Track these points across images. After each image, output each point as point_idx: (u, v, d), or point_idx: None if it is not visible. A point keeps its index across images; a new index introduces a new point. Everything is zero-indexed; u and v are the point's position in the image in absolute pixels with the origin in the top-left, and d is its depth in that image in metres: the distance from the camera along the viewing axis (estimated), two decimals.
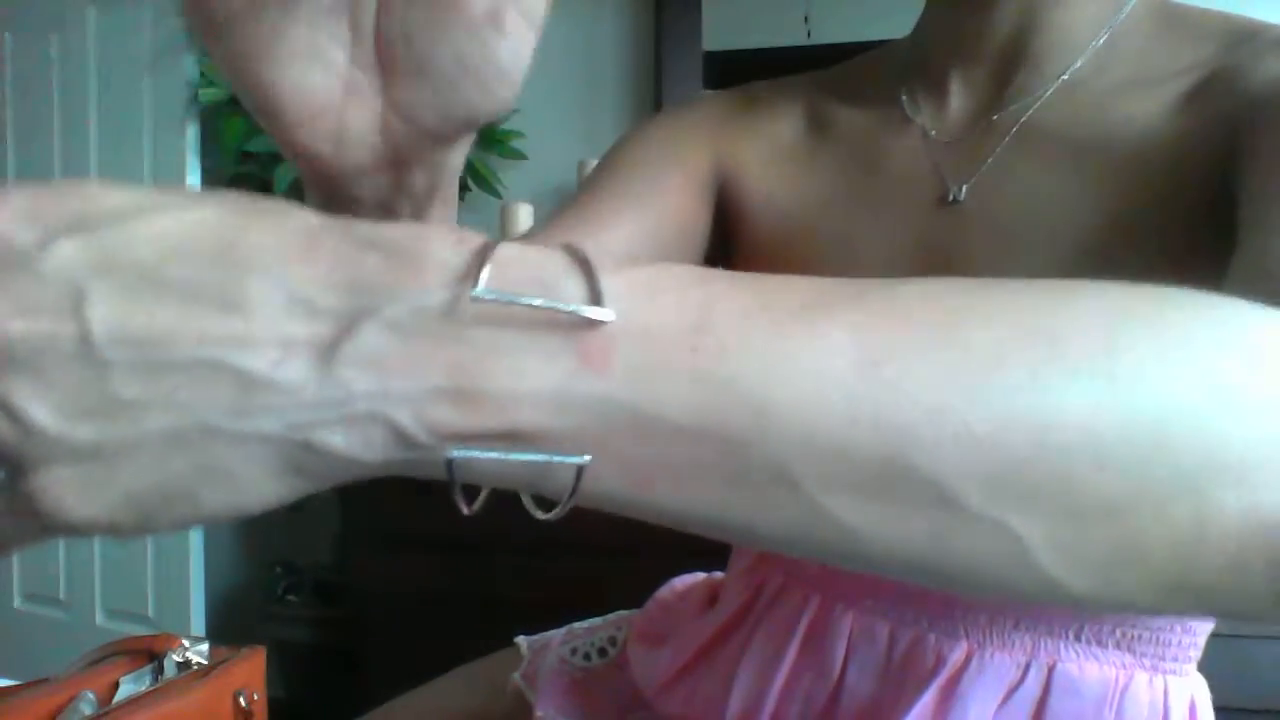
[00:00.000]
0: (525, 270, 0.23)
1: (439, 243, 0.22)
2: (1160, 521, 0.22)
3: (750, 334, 0.22)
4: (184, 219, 0.21)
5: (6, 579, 2.51)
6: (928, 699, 0.49)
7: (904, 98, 0.58)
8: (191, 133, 2.20)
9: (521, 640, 0.71)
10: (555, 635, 0.71)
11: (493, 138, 2.18)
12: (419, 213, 0.35)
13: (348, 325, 0.21)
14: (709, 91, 0.66)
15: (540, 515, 0.25)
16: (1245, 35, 0.49)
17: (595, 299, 0.22)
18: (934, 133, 0.55)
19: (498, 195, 2.18)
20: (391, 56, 0.30)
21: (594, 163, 2.06)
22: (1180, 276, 0.44)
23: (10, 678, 0.62)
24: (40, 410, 0.20)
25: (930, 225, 0.53)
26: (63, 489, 0.21)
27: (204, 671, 0.52)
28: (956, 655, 0.50)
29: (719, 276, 0.24)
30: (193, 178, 2.21)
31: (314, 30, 0.29)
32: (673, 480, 0.23)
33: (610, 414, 0.22)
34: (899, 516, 0.23)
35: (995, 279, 0.25)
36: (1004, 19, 0.52)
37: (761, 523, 0.23)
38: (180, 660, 0.53)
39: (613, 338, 0.22)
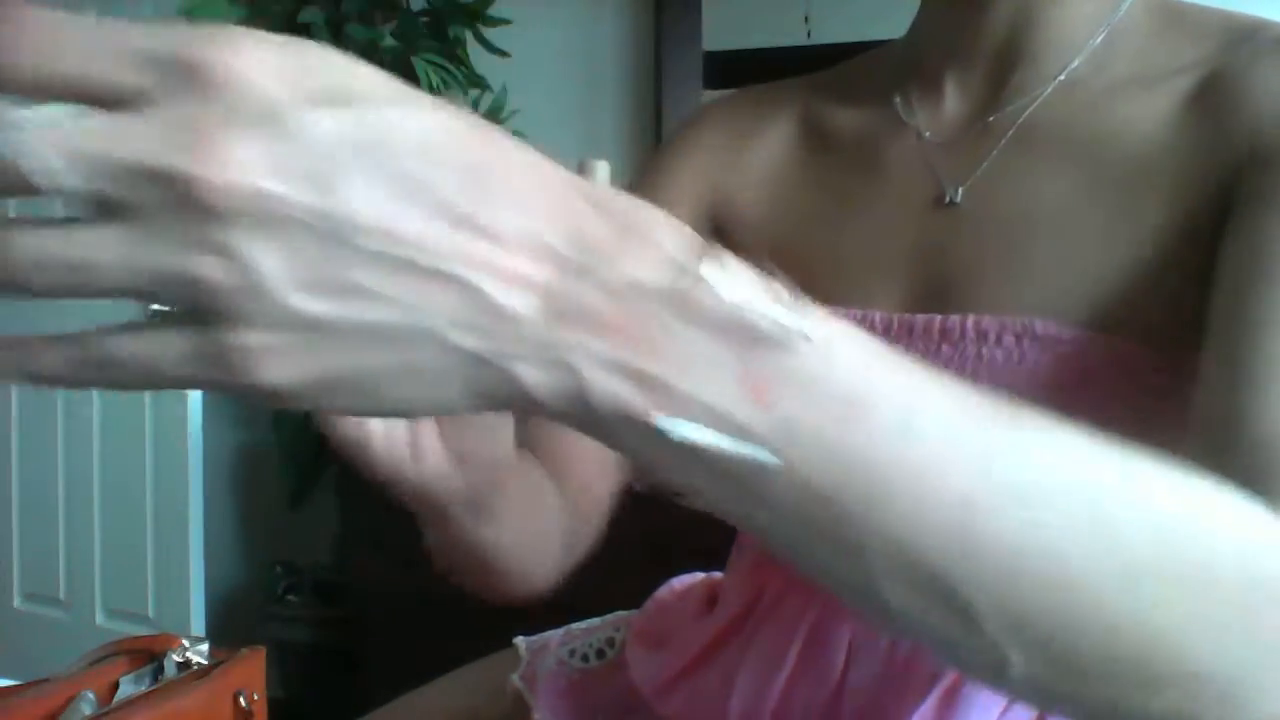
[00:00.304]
0: (740, 275, 0.25)
1: (663, 228, 0.24)
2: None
3: (907, 431, 0.25)
4: (440, 121, 0.22)
5: (6, 579, 2.51)
6: (929, 704, 0.48)
7: (898, 100, 0.57)
8: None
9: (520, 641, 0.71)
10: (554, 636, 0.71)
11: None
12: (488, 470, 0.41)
13: (574, 277, 0.23)
14: (708, 100, 0.66)
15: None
16: (1245, 34, 0.48)
17: (794, 327, 0.24)
18: (928, 134, 0.55)
19: None
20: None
21: (594, 163, 2.05)
22: (1179, 276, 0.44)
23: (10, 678, 0.62)
24: (272, 272, 0.20)
25: (927, 228, 0.53)
26: (263, 352, 0.21)
27: (204, 672, 0.52)
28: None
29: (904, 364, 0.26)
30: None
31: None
32: (777, 519, 0.26)
33: (750, 444, 0.24)
34: (942, 615, 0.26)
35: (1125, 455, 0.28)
36: (1000, 18, 0.52)
37: (802, 554, 0.27)
38: (180, 660, 0.53)
39: (782, 377, 0.24)
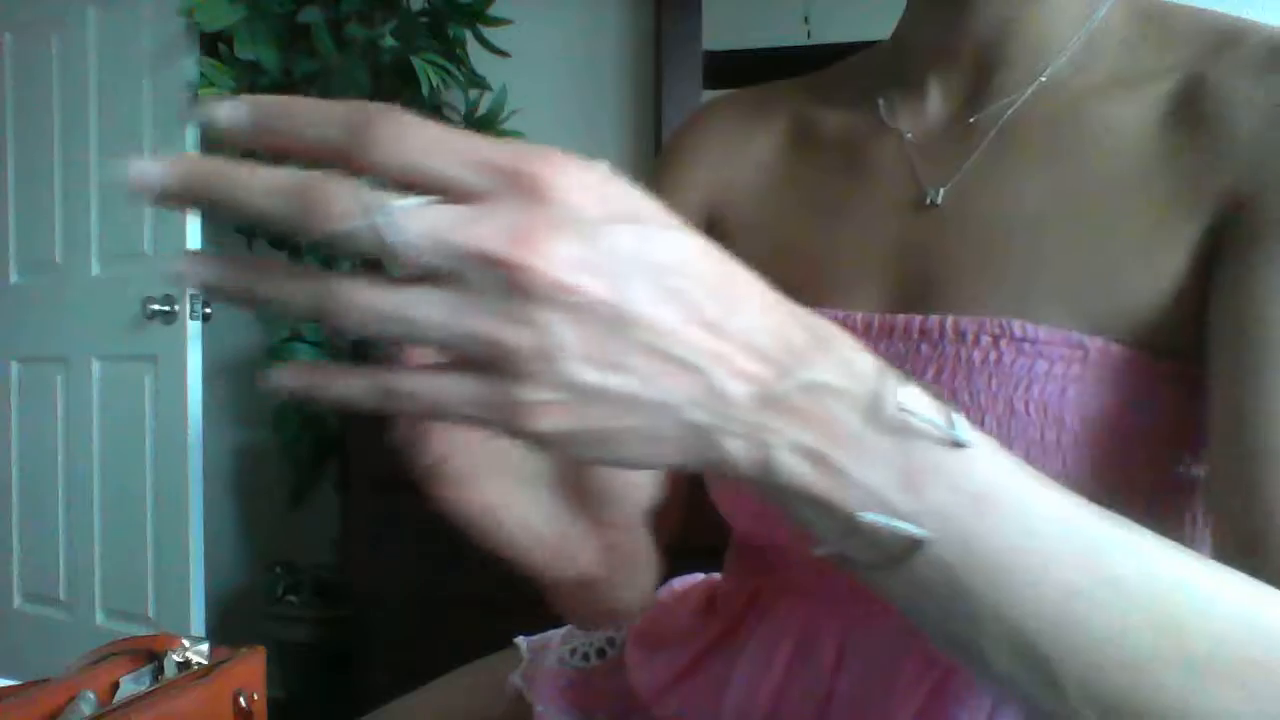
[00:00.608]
0: (911, 388, 0.31)
1: (848, 344, 0.31)
2: None
3: (1026, 525, 0.31)
4: (696, 245, 0.28)
5: (6, 579, 2.51)
6: (918, 705, 0.48)
7: (881, 102, 0.58)
8: (191, 133, 2.20)
9: (521, 641, 0.71)
10: (554, 635, 0.71)
11: (493, 138, 2.17)
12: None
13: (779, 375, 0.29)
14: (708, 100, 0.66)
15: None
16: (1228, 38, 0.48)
17: (957, 436, 0.30)
18: (910, 136, 0.55)
19: None
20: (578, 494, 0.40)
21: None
22: (1159, 279, 0.45)
23: (10, 678, 0.62)
24: (565, 345, 0.26)
25: (908, 229, 0.53)
26: (541, 406, 0.26)
27: (204, 671, 0.52)
28: (944, 661, 0.49)
29: (1029, 472, 0.32)
30: None
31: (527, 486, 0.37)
32: (908, 585, 0.32)
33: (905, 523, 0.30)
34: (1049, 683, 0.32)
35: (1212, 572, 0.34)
36: (982, 21, 0.52)
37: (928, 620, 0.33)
38: (180, 660, 0.53)
39: (933, 472, 0.30)
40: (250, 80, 2.15)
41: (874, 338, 0.51)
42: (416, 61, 2.05)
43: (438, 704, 0.69)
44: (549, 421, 0.27)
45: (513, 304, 0.25)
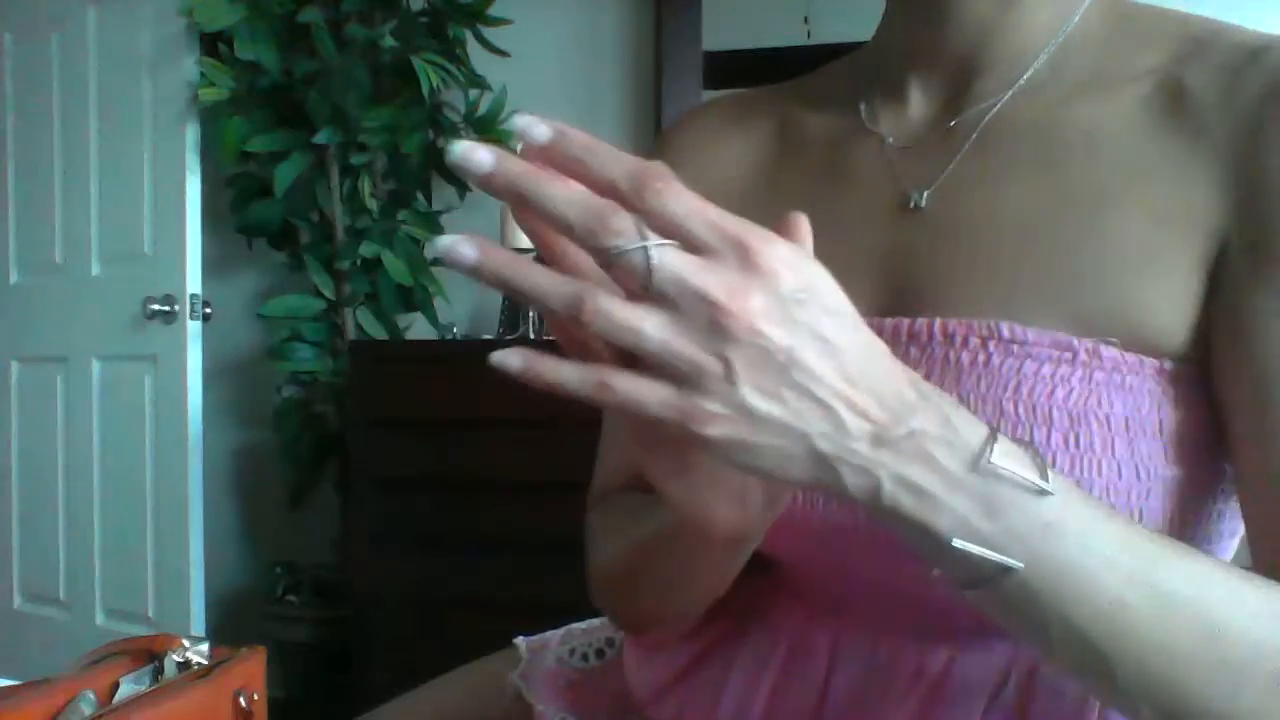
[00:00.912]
0: (1012, 448, 0.37)
1: (946, 402, 0.37)
2: None
3: (1085, 547, 0.37)
4: (851, 318, 0.36)
5: (6, 579, 2.51)
6: (910, 708, 0.48)
7: (863, 106, 0.58)
8: (191, 133, 2.20)
9: (520, 641, 0.71)
10: (553, 636, 0.71)
11: (493, 138, 2.18)
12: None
13: (892, 421, 0.35)
14: (690, 108, 0.67)
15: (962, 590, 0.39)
16: (1202, 41, 0.49)
17: (1041, 484, 0.37)
18: (891, 140, 0.56)
19: None
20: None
21: None
22: (1144, 276, 0.45)
23: (10, 678, 0.62)
24: (743, 374, 0.33)
25: (892, 232, 0.53)
26: (715, 417, 0.33)
27: (204, 671, 0.52)
28: (937, 664, 0.50)
29: (1091, 502, 0.39)
30: (193, 177, 2.21)
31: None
32: (987, 598, 0.39)
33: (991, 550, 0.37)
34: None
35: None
36: (960, 26, 0.52)
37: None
38: (180, 660, 0.53)
39: (1010, 504, 0.36)
40: (250, 80, 2.15)
41: None
42: (416, 61, 2.05)
43: (438, 704, 0.69)
44: (716, 429, 0.34)
45: (714, 338, 0.33)
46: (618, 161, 0.33)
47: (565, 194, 0.33)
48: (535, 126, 0.33)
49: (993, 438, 0.37)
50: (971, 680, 0.49)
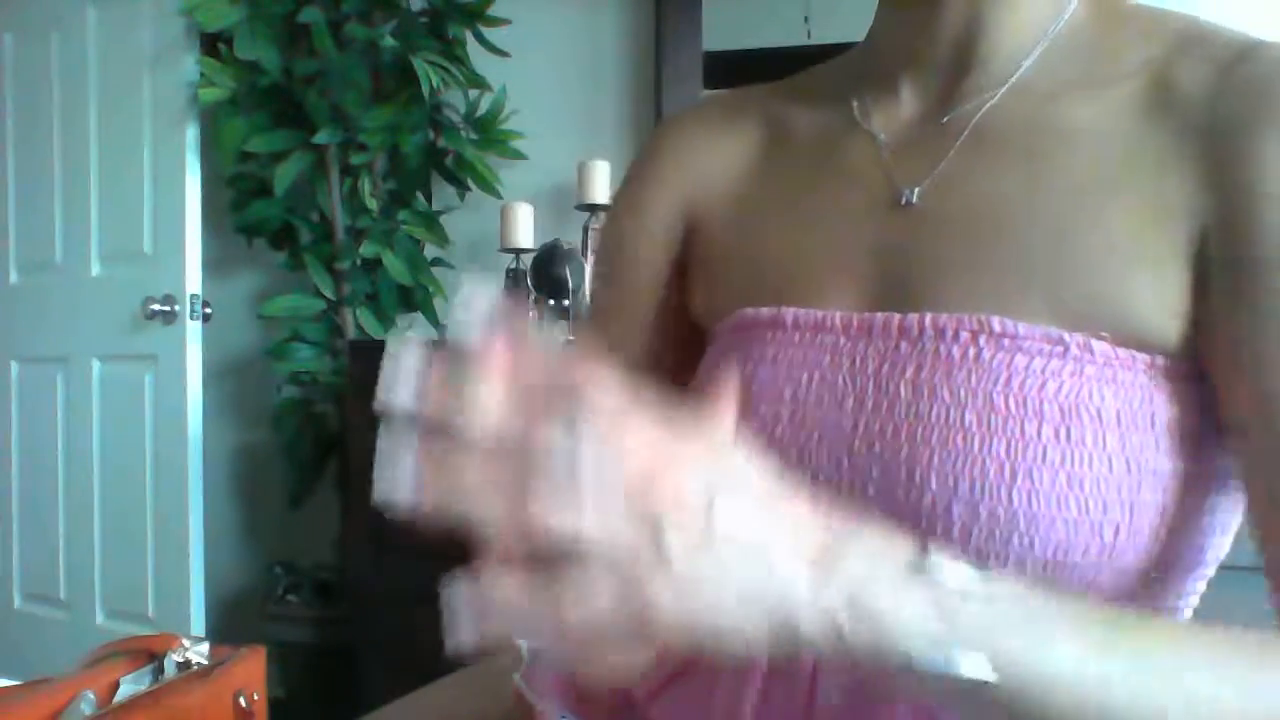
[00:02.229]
0: (942, 559, 0.37)
1: (869, 537, 0.37)
2: None
3: (1045, 654, 0.36)
4: (757, 479, 0.36)
5: (6, 579, 2.51)
6: (903, 706, 0.48)
7: (855, 104, 0.58)
8: (191, 133, 2.20)
9: (521, 640, 0.71)
10: None
11: (493, 138, 2.18)
12: None
13: (827, 557, 0.35)
14: (687, 107, 0.67)
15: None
16: (1191, 40, 0.49)
17: (985, 589, 0.36)
18: (882, 136, 0.56)
19: (498, 195, 2.19)
20: None
21: (594, 163, 2.07)
22: (1136, 272, 0.45)
23: (10, 678, 0.62)
24: (675, 549, 0.33)
25: (884, 229, 0.53)
26: (661, 594, 0.33)
27: (204, 671, 0.52)
28: None
29: (1045, 612, 0.37)
30: (193, 178, 2.21)
31: None
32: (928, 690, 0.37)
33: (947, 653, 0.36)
34: None
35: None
36: (951, 23, 0.53)
37: None
38: (180, 660, 0.53)
39: (959, 609, 0.36)
40: (250, 80, 2.15)
41: (853, 336, 0.51)
42: (416, 61, 2.05)
43: (439, 704, 0.69)
44: (667, 603, 0.33)
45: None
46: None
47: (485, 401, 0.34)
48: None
49: (916, 550, 0.37)
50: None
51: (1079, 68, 0.52)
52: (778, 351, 0.53)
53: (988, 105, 0.53)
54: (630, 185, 0.67)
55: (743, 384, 0.51)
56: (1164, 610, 0.51)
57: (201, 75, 2.15)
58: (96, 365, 2.35)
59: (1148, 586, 0.50)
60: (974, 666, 0.35)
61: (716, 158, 0.63)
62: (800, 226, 0.56)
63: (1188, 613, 0.52)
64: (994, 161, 0.51)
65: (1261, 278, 0.44)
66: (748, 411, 0.50)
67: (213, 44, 2.18)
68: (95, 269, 2.36)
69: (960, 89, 0.54)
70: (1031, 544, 0.45)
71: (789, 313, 0.53)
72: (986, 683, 0.36)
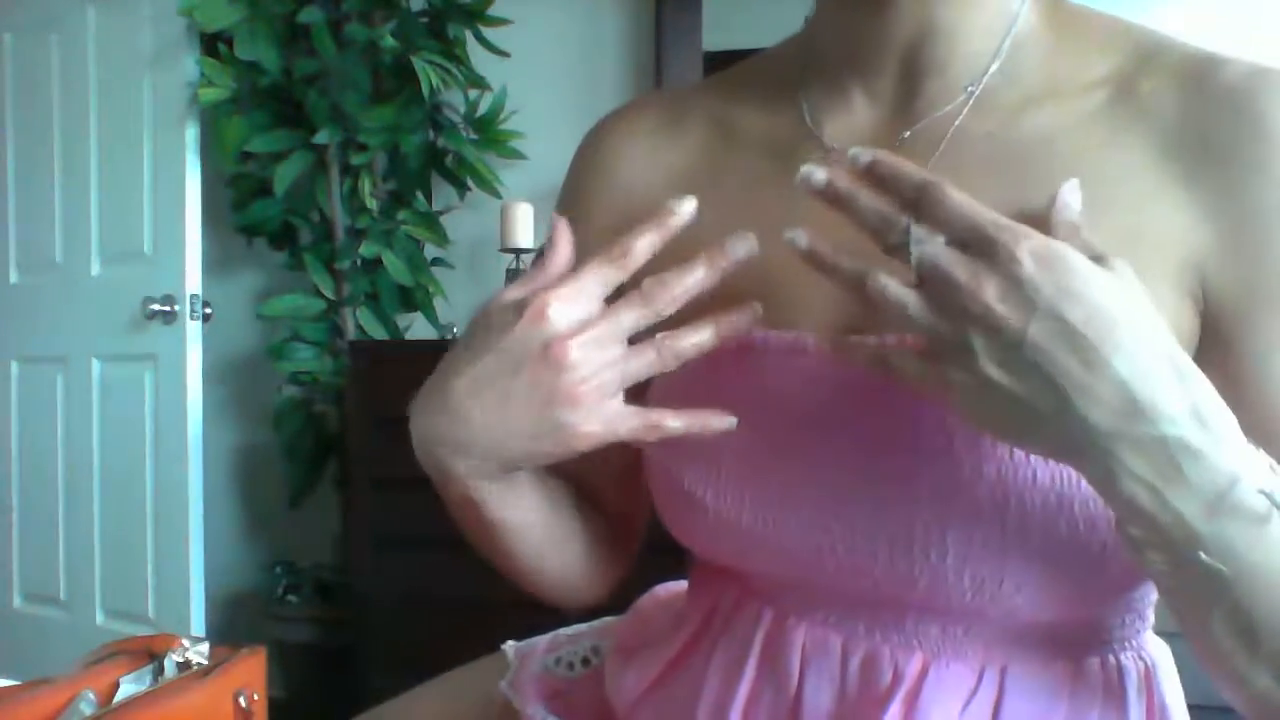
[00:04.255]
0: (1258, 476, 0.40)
1: (1208, 406, 0.39)
2: None
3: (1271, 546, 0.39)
4: (1107, 310, 0.38)
5: (6, 579, 2.51)
6: (888, 711, 0.48)
7: (804, 104, 0.56)
8: (191, 133, 2.20)
9: (509, 647, 0.70)
10: (540, 642, 0.70)
11: (493, 138, 2.18)
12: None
13: (1134, 419, 0.38)
14: (620, 109, 0.65)
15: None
16: (1150, 51, 0.49)
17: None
18: (836, 146, 0.53)
19: (498, 195, 2.19)
20: None
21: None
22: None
23: (10, 678, 0.62)
24: (983, 354, 0.39)
25: (846, 239, 0.49)
26: (957, 387, 0.40)
27: (204, 671, 0.52)
28: (913, 668, 0.49)
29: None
30: (193, 177, 2.21)
31: None
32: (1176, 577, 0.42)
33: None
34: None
35: None
36: (900, 26, 0.51)
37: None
38: (180, 660, 0.53)
39: (1231, 512, 0.39)
40: (250, 80, 2.15)
41: (829, 361, 0.49)
42: (416, 61, 2.05)
43: (426, 709, 0.69)
44: (955, 397, 0.40)
45: (958, 316, 0.39)
46: (909, 176, 0.41)
47: (867, 203, 0.42)
48: (815, 174, 0.43)
49: (1253, 462, 0.39)
50: (948, 683, 0.49)
51: (1040, 78, 0.51)
52: (751, 378, 0.51)
53: (956, 120, 0.51)
54: (569, 195, 0.64)
55: (720, 410, 0.49)
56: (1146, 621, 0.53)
57: (201, 75, 2.15)
58: (96, 365, 2.35)
59: (1136, 597, 0.51)
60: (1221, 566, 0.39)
61: (656, 165, 0.60)
62: (760, 239, 0.50)
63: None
64: (962, 176, 0.47)
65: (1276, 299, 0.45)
66: (725, 440, 0.49)
67: (213, 44, 2.18)
68: (95, 269, 2.36)
69: (919, 98, 0.52)
70: (1024, 565, 0.45)
71: (759, 335, 0.51)
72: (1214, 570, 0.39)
